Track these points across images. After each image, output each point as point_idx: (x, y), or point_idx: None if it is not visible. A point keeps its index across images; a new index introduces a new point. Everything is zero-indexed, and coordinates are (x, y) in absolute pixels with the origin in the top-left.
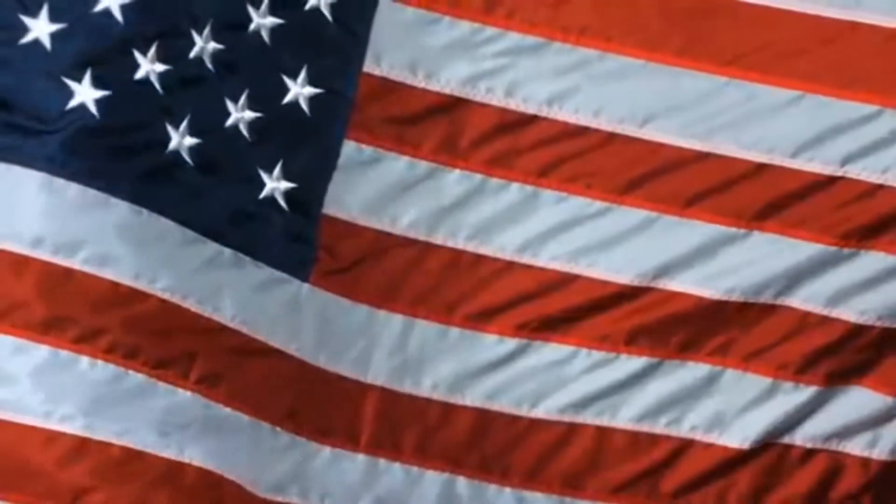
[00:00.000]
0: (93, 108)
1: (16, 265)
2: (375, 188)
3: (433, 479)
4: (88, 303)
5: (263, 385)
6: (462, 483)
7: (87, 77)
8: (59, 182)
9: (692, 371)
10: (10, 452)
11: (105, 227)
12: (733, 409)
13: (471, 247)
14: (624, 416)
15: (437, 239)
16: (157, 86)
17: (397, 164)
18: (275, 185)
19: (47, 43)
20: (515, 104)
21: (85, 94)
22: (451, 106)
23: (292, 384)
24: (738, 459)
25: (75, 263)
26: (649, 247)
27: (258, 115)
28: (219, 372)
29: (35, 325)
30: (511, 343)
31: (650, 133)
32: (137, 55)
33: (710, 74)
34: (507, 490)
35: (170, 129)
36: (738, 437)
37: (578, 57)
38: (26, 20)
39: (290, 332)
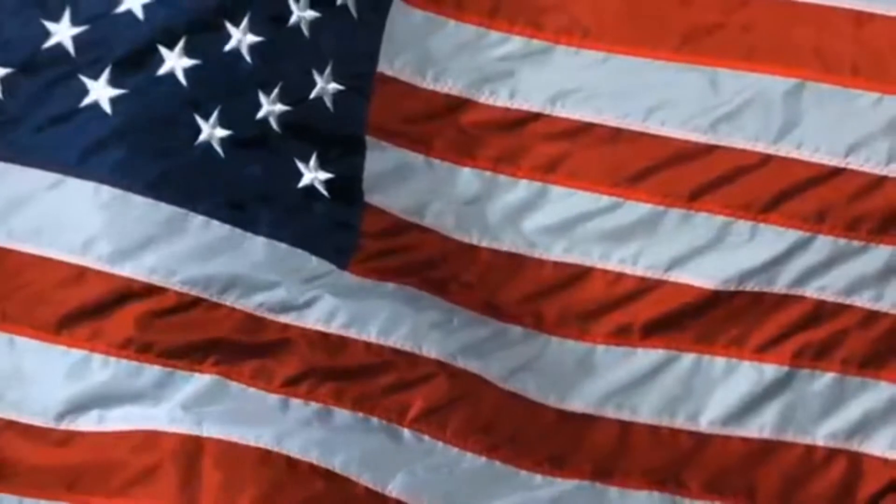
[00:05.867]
0: (107, 107)
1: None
2: (399, 183)
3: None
4: None
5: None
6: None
7: (105, 75)
8: (76, 182)
9: (709, 364)
10: None
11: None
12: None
13: (485, 243)
14: (644, 411)
15: (457, 234)
16: (183, 80)
17: (415, 162)
18: (313, 174)
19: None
20: (518, 104)
21: (100, 92)
22: (458, 106)
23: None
24: (759, 455)
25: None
26: (661, 240)
27: (287, 108)
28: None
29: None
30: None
31: (655, 127)
32: (164, 51)
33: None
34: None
35: (199, 120)
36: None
37: (582, 59)
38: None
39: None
